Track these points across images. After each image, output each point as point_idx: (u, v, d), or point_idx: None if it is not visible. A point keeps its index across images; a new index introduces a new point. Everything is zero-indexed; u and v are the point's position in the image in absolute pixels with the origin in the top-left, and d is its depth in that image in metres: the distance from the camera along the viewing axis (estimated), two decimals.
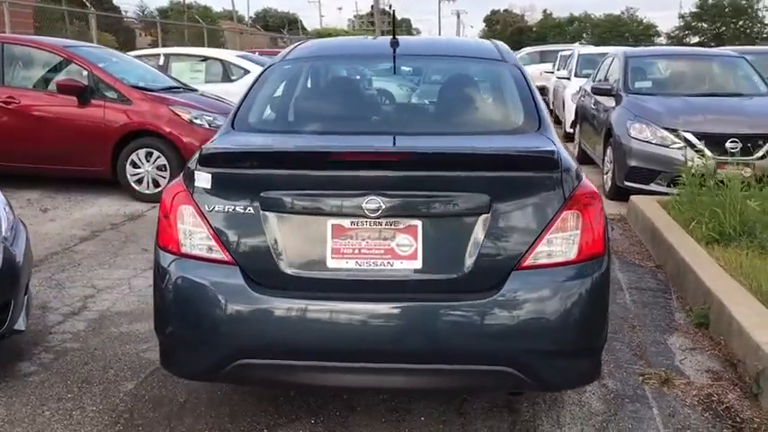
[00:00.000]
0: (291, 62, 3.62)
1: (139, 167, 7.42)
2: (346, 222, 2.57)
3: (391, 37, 3.53)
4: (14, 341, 3.76)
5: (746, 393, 3.38)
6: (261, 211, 2.59)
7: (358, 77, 3.91)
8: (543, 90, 15.26)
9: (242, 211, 2.60)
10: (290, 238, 2.60)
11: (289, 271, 2.59)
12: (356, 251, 2.58)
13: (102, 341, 3.96)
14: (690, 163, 6.10)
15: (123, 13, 38.68)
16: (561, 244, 2.58)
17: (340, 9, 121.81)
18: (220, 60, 9.91)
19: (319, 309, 2.58)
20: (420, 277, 2.57)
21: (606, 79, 8.95)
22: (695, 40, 69.38)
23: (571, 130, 11.04)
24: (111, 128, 7.35)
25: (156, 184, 7.42)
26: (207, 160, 2.66)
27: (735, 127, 6.92)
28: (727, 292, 4.06)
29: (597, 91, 8.36)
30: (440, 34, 78.11)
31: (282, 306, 2.58)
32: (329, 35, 40.96)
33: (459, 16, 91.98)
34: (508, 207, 2.56)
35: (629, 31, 76.91)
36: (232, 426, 3.10)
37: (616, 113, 7.74)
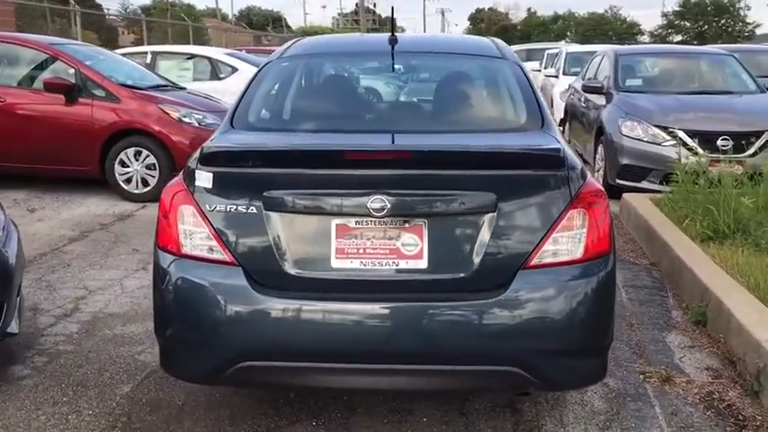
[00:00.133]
0: (289, 59, 3.58)
1: (128, 167, 7.33)
2: (351, 222, 2.53)
3: (390, 34, 3.49)
4: (7, 344, 3.68)
5: (747, 391, 3.38)
6: (263, 211, 2.54)
7: (357, 75, 3.87)
8: None
9: (244, 210, 2.56)
10: (294, 237, 2.56)
11: (292, 271, 2.54)
12: (361, 251, 2.54)
13: (96, 343, 3.89)
14: (684, 160, 6.11)
15: (105, 10, 38.32)
16: (568, 243, 2.56)
17: (324, 7, 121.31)
18: (208, 58, 9.82)
19: (324, 310, 2.54)
20: (426, 277, 2.54)
21: (596, 77, 8.97)
22: (678, 38, 69.90)
23: (560, 129, 11.05)
24: (100, 126, 7.26)
25: (146, 184, 7.35)
26: (208, 159, 2.61)
27: (726, 125, 6.95)
28: (724, 290, 4.06)
29: (588, 89, 8.37)
30: (425, 32, 78.08)
31: (286, 307, 2.53)
32: (316, 33, 40.87)
33: (443, 14, 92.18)
34: (514, 206, 2.53)
35: (612, 30, 77.38)
36: (232, 429, 3.05)
37: (607, 111, 7.75)
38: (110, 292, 4.70)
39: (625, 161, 7.14)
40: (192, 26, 24.83)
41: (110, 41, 29.57)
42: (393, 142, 2.78)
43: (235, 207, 2.57)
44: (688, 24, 72.02)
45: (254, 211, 2.55)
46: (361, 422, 3.12)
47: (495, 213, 2.51)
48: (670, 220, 5.68)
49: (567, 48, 14.94)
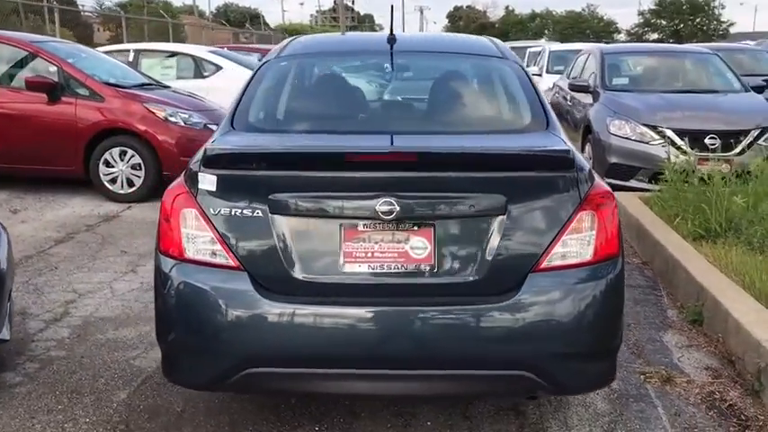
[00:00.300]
0: (288, 59, 3.52)
1: (113, 167, 7.21)
2: (359, 225, 2.49)
3: (389, 33, 3.45)
4: None
5: (747, 390, 3.39)
6: (269, 214, 2.49)
7: (358, 75, 3.82)
8: None
9: (250, 214, 2.51)
10: (301, 241, 2.51)
11: (299, 276, 2.50)
12: (369, 254, 2.50)
13: (89, 348, 3.81)
14: (674, 159, 6.14)
15: (80, 7, 37.81)
16: (577, 245, 2.54)
17: (302, 4, 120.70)
18: (192, 56, 9.69)
19: (332, 315, 2.50)
20: (435, 281, 2.50)
21: (581, 76, 9.00)
22: (654, 36, 70.58)
23: None
24: (83, 126, 7.12)
25: (131, 184, 7.23)
26: (212, 161, 2.55)
27: (713, 123, 7.00)
28: (720, 289, 4.07)
29: (574, 87, 8.39)
30: (403, 30, 78.03)
31: (294, 312, 2.48)
32: (296, 31, 40.68)
33: (422, 12, 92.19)
34: (524, 208, 2.50)
35: (589, 28, 77.93)
36: None
37: (594, 110, 7.78)
38: (100, 295, 4.61)
39: (613, 160, 7.16)
40: (171, 23, 24.53)
41: (85, 39, 29.15)
42: (399, 144, 2.74)
43: (240, 210, 2.51)
44: (664, 23, 72.71)
45: (260, 214, 2.50)
46: (365, 427, 3.08)
47: (505, 216, 2.48)
48: (660, 219, 5.70)
49: (549, 46, 14.99)
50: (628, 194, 6.68)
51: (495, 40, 3.86)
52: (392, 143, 2.74)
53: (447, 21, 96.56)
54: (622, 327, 2.73)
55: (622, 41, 61.58)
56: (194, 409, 3.19)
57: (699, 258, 4.68)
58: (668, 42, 52.16)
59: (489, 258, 2.48)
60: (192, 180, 2.60)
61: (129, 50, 9.92)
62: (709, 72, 8.49)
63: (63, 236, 6.01)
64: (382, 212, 2.44)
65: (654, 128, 7.05)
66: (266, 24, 66.69)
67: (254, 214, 2.50)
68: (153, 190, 7.30)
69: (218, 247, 2.53)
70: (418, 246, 2.49)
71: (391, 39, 3.42)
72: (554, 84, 10.63)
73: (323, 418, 3.12)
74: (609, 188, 2.70)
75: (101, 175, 7.20)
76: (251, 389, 2.76)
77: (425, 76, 3.53)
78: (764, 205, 5.38)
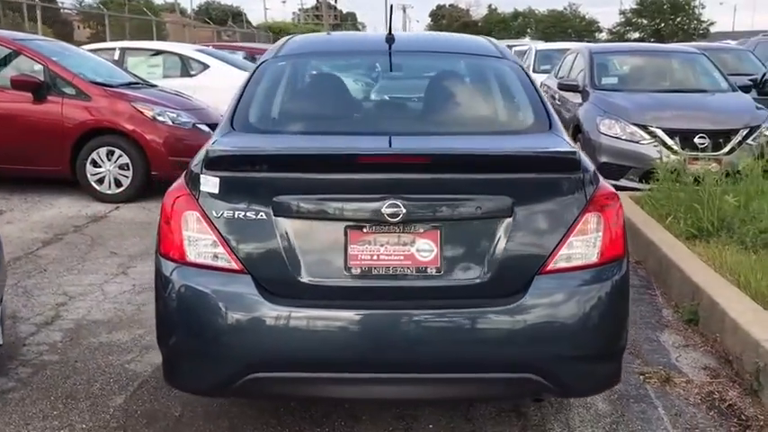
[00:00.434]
0: (286, 59, 3.47)
1: (100, 167, 7.12)
2: (364, 227, 2.46)
3: (387, 33, 3.42)
4: None
5: (746, 390, 3.40)
6: (273, 217, 2.45)
7: (358, 75, 3.79)
8: None
9: (253, 216, 2.47)
10: (305, 244, 2.47)
11: (304, 279, 2.46)
12: (375, 257, 2.47)
13: (82, 352, 3.75)
14: (665, 159, 6.16)
15: (60, 3, 37.38)
16: (583, 247, 2.53)
17: (284, 2, 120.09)
18: (178, 55, 9.59)
19: (337, 318, 2.47)
20: (441, 283, 2.48)
21: (569, 75, 9.02)
22: (636, 35, 71.14)
23: None
24: (70, 125, 7.03)
25: (119, 184, 7.15)
26: (214, 163, 2.51)
27: (702, 123, 7.05)
28: (716, 289, 4.09)
29: (563, 87, 8.41)
30: (386, 29, 77.91)
31: (299, 316, 2.45)
32: (279, 29, 40.48)
33: (405, 11, 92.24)
34: (530, 210, 2.49)
35: (571, 27, 78.46)
36: None
37: (584, 109, 7.79)
38: (91, 297, 4.54)
39: (603, 159, 7.18)
40: (154, 21, 24.31)
41: (64, 36, 28.76)
42: (404, 145, 2.71)
43: (243, 213, 2.47)
44: (645, 22, 73.37)
45: (263, 216, 2.46)
46: (366, 430, 3.05)
47: (512, 218, 2.46)
48: (652, 219, 5.72)
49: (536, 45, 15.03)
50: (619, 194, 6.69)
51: (492, 39, 3.85)
52: (397, 144, 2.71)
53: (430, 19, 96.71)
54: (628, 328, 2.72)
55: (604, 40, 62.01)
56: (192, 414, 3.15)
57: (693, 258, 4.70)
58: (649, 41, 52.67)
59: (496, 261, 2.46)
60: (194, 182, 2.55)
61: (114, 49, 9.80)
62: (696, 72, 8.54)
63: (51, 237, 5.92)
64: (388, 215, 2.41)
65: (644, 127, 7.08)
66: (248, 22, 66.37)
67: (258, 217, 2.46)
68: (141, 190, 7.25)
69: (220, 249, 2.49)
70: (424, 248, 2.47)
71: (389, 38, 3.38)
72: (542, 83, 10.63)
73: (324, 421, 3.09)
74: (613, 189, 2.69)
75: (88, 176, 7.10)
76: (255, 394, 2.73)
77: (426, 76, 3.50)
78: (755, 204, 5.42)
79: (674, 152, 6.46)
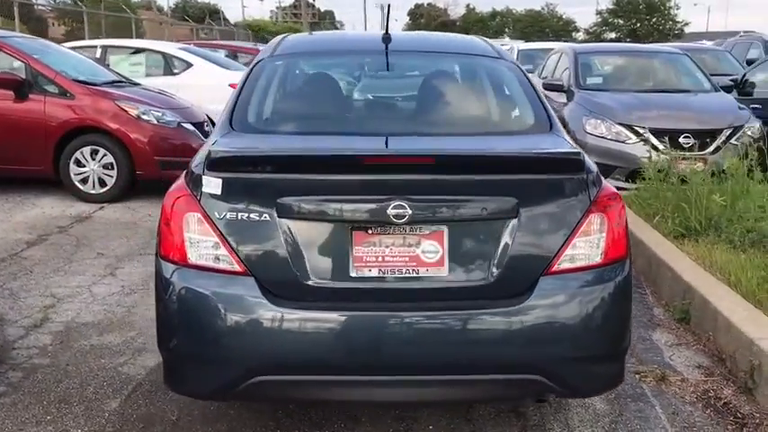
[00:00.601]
0: (283, 58, 3.44)
1: (84, 166, 7.02)
2: (369, 229, 2.44)
3: (384, 32, 3.40)
4: None
5: (741, 388, 3.43)
6: (277, 218, 2.43)
7: (357, 75, 3.76)
8: None
9: (257, 218, 2.44)
10: (309, 246, 2.45)
11: (308, 281, 2.44)
12: (380, 259, 2.45)
13: (74, 355, 3.69)
14: (654, 158, 6.21)
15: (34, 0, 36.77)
16: (588, 248, 2.53)
17: (262, 0, 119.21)
18: (161, 53, 9.48)
19: (342, 320, 2.44)
20: (447, 285, 2.47)
21: (553, 75, 9.06)
22: (612, 35, 71.73)
23: None
24: (53, 124, 6.92)
25: (103, 184, 7.05)
26: (217, 164, 2.47)
27: (686, 123, 7.11)
28: (708, 288, 4.13)
29: (548, 87, 8.43)
30: (365, 28, 77.96)
31: (303, 318, 2.43)
32: (260, 28, 40.24)
33: (383, 9, 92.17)
34: (535, 210, 2.49)
35: (549, 27, 78.91)
36: None
37: (569, 109, 7.83)
38: (79, 299, 4.47)
39: None
40: (133, 19, 24.02)
41: (39, 34, 28.29)
42: (408, 146, 2.70)
43: (246, 214, 2.44)
44: (621, 22, 73.96)
45: (267, 218, 2.43)
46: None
47: (517, 219, 2.46)
48: (640, 218, 5.76)
49: (518, 45, 15.09)
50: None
51: (487, 39, 3.85)
52: (401, 145, 2.70)
53: (408, 18, 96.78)
54: (631, 329, 2.73)
55: (581, 40, 62.49)
56: (190, 417, 3.11)
57: (682, 257, 4.74)
58: (626, 41, 53.16)
59: (501, 262, 2.46)
60: (195, 183, 2.52)
61: (96, 47, 9.66)
62: (679, 72, 8.62)
63: (35, 238, 5.82)
64: (394, 216, 2.39)
65: (630, 127, 7.13)
66: (226, 20, 65.85)
67: (261, 218, 2.44)
68: (125, 190, 7.17)
69: (223, 251, 2.46)
70: (430, 249, 2.46)
71: (386, 38, 3.36)
72: None
73: (324, 423, 3.07)
74: (616, 190, 2.70)
75: (71, 175, 7.00)
76: (258, 397, 2.70)
77: (427, 76, 3.47)
78: (741, 204, 5.49)
79: (661, 152, 6.50)
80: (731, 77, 9.34)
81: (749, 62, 12.65)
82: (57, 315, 4.22)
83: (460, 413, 3.16)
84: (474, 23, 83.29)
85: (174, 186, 2.66)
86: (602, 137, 7.21)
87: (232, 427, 3.04)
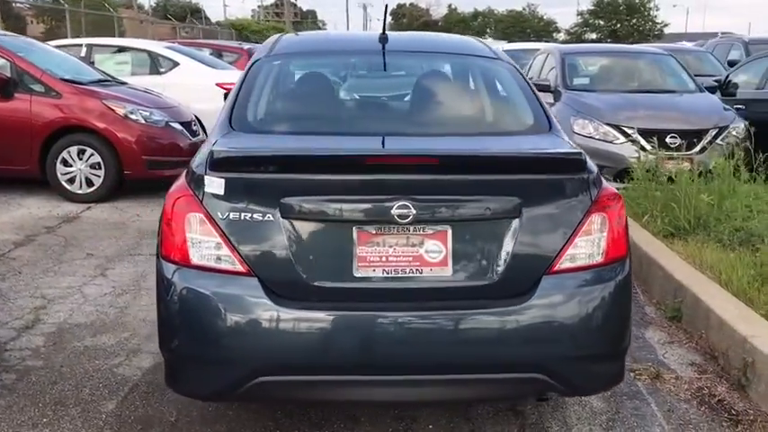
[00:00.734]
0: (281, 58, 3.43)
1: (71, 166, 6.95)
2: (372, 229, 2.44)
3: (381, 32, 3.40)
4: None
5: (734, 385, 3.47)
6: (280, 219, 2.42)
7: (357, 75, 3.75)
8: None
9: (260, 218, 2.43)
10: (313, 246, 2.45)
11: (312, 281, 2.43)
12: (383, 259, 2.46)
13: (68, 357, 3.65)
14: (642, 158, 6.26)
15: None
16: (589, 247, 2.55)
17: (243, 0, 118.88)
18: (147, 52, 9.40)
19: (346, 321, 2.44)
20: (450, 285, 2.47)
21: (539, 76, 9.10)
22: (593, 36, 72.26)
23: None
24: (39, 124, 6.86)
25: (90, 184, 7.00)
26: (219, 164, 2.46)
27: (673, 123, 7.18)
28: (699, 286, 4.17)
29: (536, 87, 8.46)
30: (348, 28, 77.96)
31: (306, 319, 2.42)
32: (242, 27, 40.05)
33: (365, 9, 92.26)
34: (538, 210, 2.50)
35: (530, 27, 79.34)
36: None
37: (557, 109, 7.86)
38: (71, 300, 4.43)
39: None
40: (115, 17, 23.77)
41: (17, 32, 27.90)
42: (409, 146, 2.70)
43: (249, 215, 2.43)
44: (602, 23, 74.53)
45: (270, 218, 2.42)
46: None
47: (520, 218, 2.47)
48: (629, 217, 5.80)
49: (502, 45, 15.13)
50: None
51: (482, 40, 3.86)
52: (403, 145, 2.71)
53: (390, 18, 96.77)
54: (631, 327, 2.76)
55: (561, 41, 62.89)
56: (188, 419, 3.09)
57: (673, 256, 4.79)
58: (606, 42, 53.58)
59: (504, 261, 2.47)
60: (197, 183, 2.50)
61: (81, 45, 9.56)
62: (664, 73, 8.70)
63: (22, 238, 5.76)
64: (398, 216, 2.40)
65: (617, 127, 7.18)
66: (207, 19, 65.45)
67: (264, 218, 2.43)
68: (113, 190, 7.12)
69: (226, 252, 2.45)
70: (433, 249, 2.47)
71: (383, 38, 3.36)
72: None
73: (323, 424, 3.07)
74: (615, 190, 2.72)
75: (58, 175, 6.94)
76: (262, 398, 2.69)
77: (427, 76, 3.48)
78: (728, 203, 5.56)
79: (648, 152, 6.56)
80: (715, 78, 9.44)
81: (730, 63, 12.79)
82: (48, 316, 4.17)
83: (459, 412, 3.17)
84: (456, 24, 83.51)
85: (174, 187, 2.64)
86: (590, 137, 7.26)
87: (231, 428, 3.03)
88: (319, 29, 77.91)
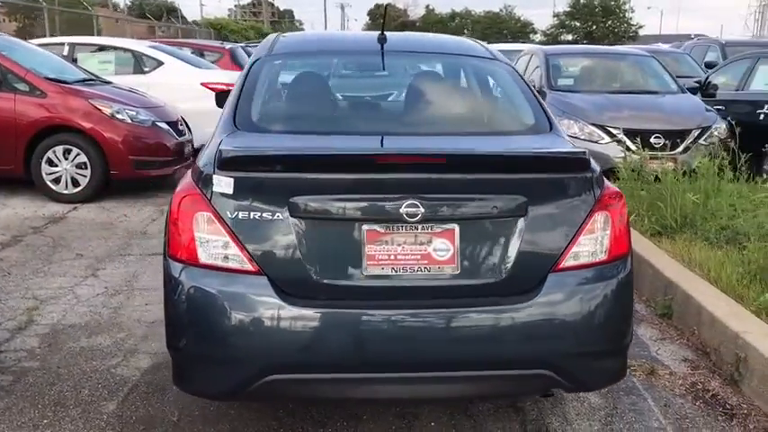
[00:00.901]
0: (282, 57, 3.43)
1: (57, 166, 6.88)
2: (381, 228, 2.46)
3: (379, 33, 3.42)
4: None
5: (726, 380, 3.54)
6: (290, 217, 2.43)
7: (358, 75, 3.76)
8: None
9: (269, 217, 2.44)
10: (322, 245, 2.46)
11: (321, 280, 2.45)
12: (392, 257, 2.47)
13: (64, 358, 3.63)
14: (628, 158, 6.35)
15: None
16: (593, 245, 2.59)
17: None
18: (131, 51, 9.32)
19: (355, 318, 2.46)
20: (458, 282, 2.50)
21: None
22: (569, 37, 72.83)
23: None
24: (24, 123, 6.78)
25: (76, 184, 6.93)
26: (228, 164, 2.46)
27: (657, 123, 7.30)
28: (689, 284, 4.25)
29: None
30: (326, 28, 77.83)
31: (316, 317, 2.44)
32: (221, 27, 39.79)
33: (343, 9, 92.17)
34: (544, 209, 2.54)
35: (507, 29, 79.73)
36: None
37: None
38: (63, 301, 4.39)
39: None
40: (95, 16, 23.50)
41: None
42: (416, 145, 2.72)
43: (258, 214, 2.44)
44: (578, 24, 75.11)
45: (279, 217, 2.43)
46: (369, 430, 3.05)
47: (526, 217, 2.50)
48: None
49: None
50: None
51: (479, 41, 3.90)
52: (410, 144, 2.73)
53: (368, 18, 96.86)
54: (633, 323, 2.81)
55: (538, 42, 63.32)
56: (190, 418, 3.09)
57: (662, 254, 4.86)
58: (582, 43, 54.08)
59: (511, 259, 2.50)
60: (205, 182, 2.50)
61: (63, 44, 9.45)
62: (646, 74, 8.83)
63: (9, 239, 5.69)
64: (407, 214, 2.42)
65: (602, 127, 7.28)
66: (183, 18, 64.90)
67: (273, 217, 2.44)
68: (99, 190, 7.06)
69: (235, 251, 2.45)
70: (441, 248, 2.49)
71: (381, 38, 3.38)
72: None
73: (326, 422, 3.08)
74: (617, 188, 2.77)
75: (43, 175, 6.87)
76: (271, 396, 2.70)
77: (429, 76, 3.50)
78: (713, 202, 5.66)
79: (633, 151, 6.66)
80: (695, 80, 9.59)
81: (707, 65, 13.00)
82: (41, 317, 4.14)
83: (460, 409, 3.20)
84: (433, 24, 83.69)
85: (181, 186, 2.64)
86: (575, 137, 7.33)
87: (234, 426, 3.03)
88: (297, 28, 77.71)
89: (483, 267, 2.51)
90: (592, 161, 2.67)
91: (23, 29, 31.92)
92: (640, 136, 7.01)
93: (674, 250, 4.95)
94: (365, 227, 2.46)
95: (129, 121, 7.02)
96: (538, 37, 78.13)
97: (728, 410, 3.29)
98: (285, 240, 2.44)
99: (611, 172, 6.59)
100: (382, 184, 2.44)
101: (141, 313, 4.22)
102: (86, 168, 6.90)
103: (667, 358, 3.83)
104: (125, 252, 5.43)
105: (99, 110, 6.89)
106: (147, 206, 6.99)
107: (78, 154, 6.86)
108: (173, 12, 65.84)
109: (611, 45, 31.52)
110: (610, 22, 74.46)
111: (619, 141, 7.13)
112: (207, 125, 7.85)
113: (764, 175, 6.86)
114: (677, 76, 9.57)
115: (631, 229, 5.39)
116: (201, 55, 13.04)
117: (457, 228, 2.49)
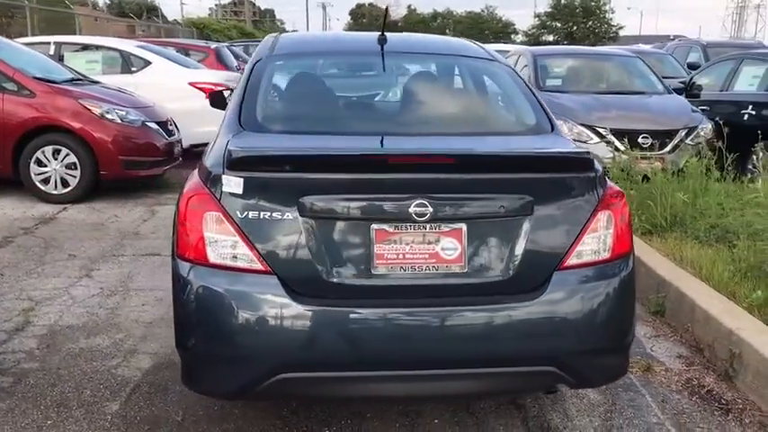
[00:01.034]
0: (283, 58, 3.45)
1: (46, 166, 6.83)
2: (390, 227, 2.49)
3: (379, 33, 3.44)
4: None
5: (721, 376, 3.61)
6: (299, 217, 2.45)
7: (361, 75, 3.78)
8: None
9: (279, 216, 2.45)
10: (332, 244, 2.48)
11: (330, 279, 2.47)
12: (400, 256, 2.50)
13: (64, 359, 3.61)
14: (616, 158, 6.43)
15: None
16: (597, 243, 2.64)
17: None
18: (119, 50, 9.27)
19: (364, 317, 2.48)
20: (465, 281, 2.53)
21: None
22: (550, 38, 73.25)
23: None
24: (12, 123, 6.73)
25: (65, 184, 6.89)
26: (238, 164, 2.47)
27: (644, 123, 7.39)
28: (682, 282, 4.32)
29: None
30: (308, 28, 77.68)
31: (326, 316, 2.46)
32: (204, 26, 39.57)
33: (324, 9, 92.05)
34: (549, 208, 2.58)
35: (488, 29, 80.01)
36: None
37: None
38: (59, 302, 4.37)
39: None
40: (77, 15, 23.27)
41: None
42: (422, 145, 2.76)
43: (268, 213, 2.46)
44: (559, 25, 75.56)
45: (289, 216, 2.45)
46: (374, 428, 3.08)
47: (532, 216, 2.54)
48: None
49: None
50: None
51: (476, 42, 3.94)
52: (416, 145, 2.76)
53: (350, 18, 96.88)
54: (635, 320, 2.86)
55: (520, 42, 63.62)
56: (194, 418, 3.10)
57: (653, 252, 4.93)
58: (563, 44, 54.44)
59: (517, 258, 2.54)
60: (214, 182, 2.51)
61: (49, 43, 9.37)
62: (633, 74, 8.93)
63: (0, 240, 5.65)
64: (416, 214, 2.45)
65: (591, 127, 7.35)
66: (164, 17, 64.42)
67: (283, 216, 2.45)
68: (89, 190, 7.02)
69: (245, 250, 2.47)
70: (449, 247, 2.52)
71: (382, 39, 3.41)
72: None
73: (331, 420, 3.10)
74: (619, 188, 2.82)
75: (32, 175, 6.82)
76: (281, 395, 2.71)
77: (432, 77, 3.53)
78: (701, 201, 5.74)
79: (622, 151, 6.74)
80: (680, 80, 9.71)
81: (690, 65, 13.17)
82: (38, 318, 4.12)
83: (463, 406, 3.24)
84: (415, 24, 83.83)
85: (189, 186, 2.64)
86: None
87: (238, 426, 3.04)
88: (279, 28, 77.48)
89: (490, 266, 2.55)
90: (595, 161, 2.71)
91: (1, 27, 31.49)
92: (628, 136, 7.09)
93: (665, 249, 5.02)
94: (374, 226, 2.48)
95: (119, 122, 6.99)
96: (519, 37, 78.47)
97: (724, 405, 3.36)
98: (294, 240, 2.46)
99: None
100: (391, 184, 2.47)
101: (138, 314, 4.21)
102: (76, 169, 6.86)
103: (662, 355, 3.89)
104: (118, 252, 5.41)
105: (88, 110, 6.85)
106: (138, 206, 6.96)
107: (68, 154, 6.82)
108: (153, 10, 65.29)
109: (592, 45, 31.78)
110: (590, 23, 74.98)
111: (607, 142, 7.21)
112: (195, 125, 7.93)
113: (749, 175, 6.98)
114: (663, 77, 9.69)
115: None
116: (187, 54, 12.97)
117: (464, 227, 2.52)
